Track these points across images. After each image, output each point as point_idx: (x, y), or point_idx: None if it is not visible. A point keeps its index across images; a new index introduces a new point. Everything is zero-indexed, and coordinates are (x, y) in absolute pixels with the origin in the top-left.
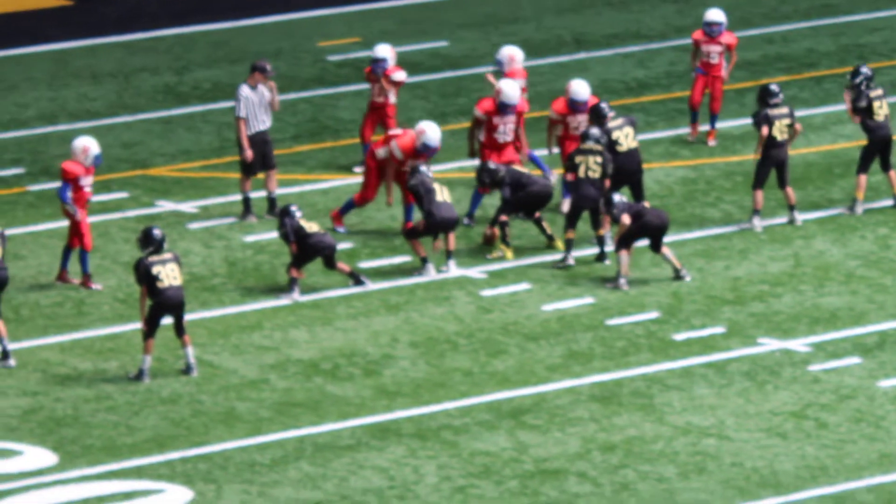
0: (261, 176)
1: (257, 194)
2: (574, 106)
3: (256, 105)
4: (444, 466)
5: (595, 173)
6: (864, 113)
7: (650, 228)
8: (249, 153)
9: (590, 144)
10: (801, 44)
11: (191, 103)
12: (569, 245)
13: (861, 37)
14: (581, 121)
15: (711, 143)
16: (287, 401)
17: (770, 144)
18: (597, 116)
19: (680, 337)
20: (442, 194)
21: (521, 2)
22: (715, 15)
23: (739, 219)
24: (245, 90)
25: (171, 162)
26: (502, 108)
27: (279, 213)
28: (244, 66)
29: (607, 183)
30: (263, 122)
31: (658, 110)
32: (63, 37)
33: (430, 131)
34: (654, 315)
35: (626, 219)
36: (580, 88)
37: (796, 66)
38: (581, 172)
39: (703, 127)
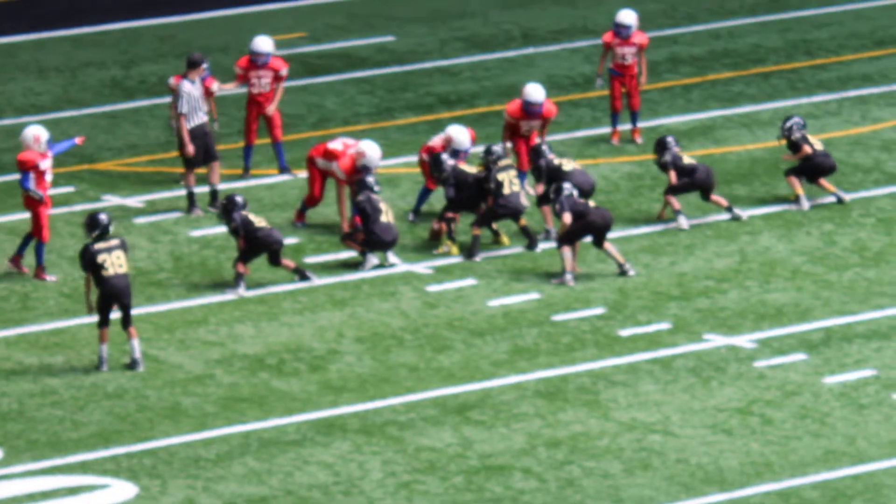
0: (203, 170)
1: (201, 189)
2: (528, 109)
3: (197, 99)
4: (390, 462)
5: (516, 186)
6: (800, 147)
7: (593, 227)
8: (191, 148)
9: (505, 161)
10: (748, 39)
11: (137, 97)
12: (475, 241)
13: (808, 32)
14: (534, 124)
15: (639, 140)
16: (232, 396)
17: (689, 171)
18: (536, 155)
19: (625, 333)
20: (387, 215)
21: None
22: (626, 17)
23: (685, 215)
24: (186, 85)
25: (117, 156)
26: (454, 156)
27: (224, 206)
28: None
29: (539, 188)
30: (202, 116)
31: (604, 106)
32: (9, 30)
33: (370, 152)
34: (599, 311)
35: (567, 217)
36: (535, 92)
37: (743, 62)
38: (506, 188)
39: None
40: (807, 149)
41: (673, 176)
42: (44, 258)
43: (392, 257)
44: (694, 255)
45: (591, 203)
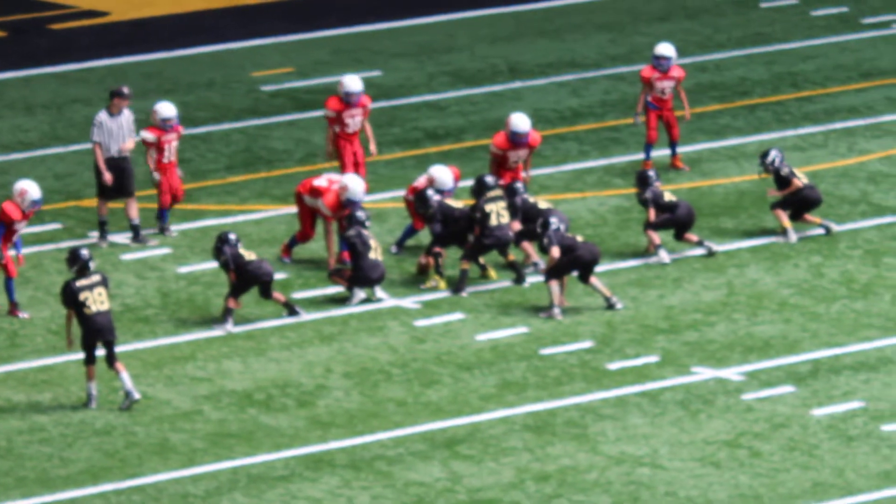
0: (120, 205)
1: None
2: (515, 139)
3: (114, 131)
4: (378, 497)
5: (504, 218)
6: (789, 181)
7: (581, 262)
8: (108, 175)
9: (494, 192)
10: (735, 72)
11: None
12: (463, 276)
13: (794, 65)
14: (521, 154)
15: (686, 167)
16: (221, 432)
17: (670, 208)
18: (511, 193)
19: (614, 366)
20: (376, 252)
21: (455, 31)
22: (665, 49)
23: (672, 248)
24: (101, 116)
25: None
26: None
27: (217, 241)
28: (177, 97)
29: (515, 225)
30: (120, 150)
31: (592, 139)
32: None
33: (353, 185)
34: (587, 344)
35: (555, 251)
36: (520, 121)
37: (729, 95)
38: (493, 220)
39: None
40: (797, 182)
41: (652, 213)
42: (14, 294)
43: (380, 292)
44: (682, 287)
45: (580, 238)
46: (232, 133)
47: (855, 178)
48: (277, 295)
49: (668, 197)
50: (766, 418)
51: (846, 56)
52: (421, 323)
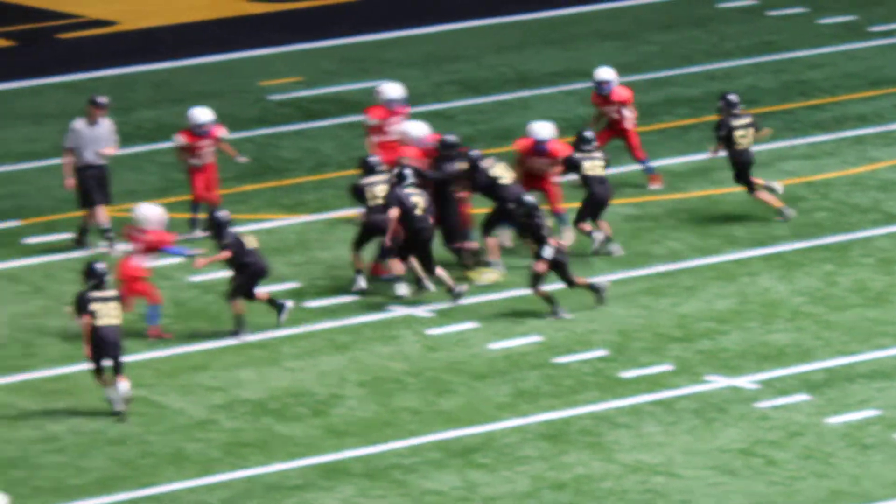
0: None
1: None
2: (535, 146)
3: (89, 140)
4: None
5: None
6: (724, 141)
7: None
8: (70, 181)
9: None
10: (743, 80)
11: (134, 143)
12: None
13: (802, 73)
14: (542, 162)
15: (656, 185)
16: (236, 441)
17: (587, 181)
18: (473, 170)
19: (627, 374)
20: (420, 209)
21: (462, 40)
22: (603, 73)
23: (685, 256)
24: (77, 123)
25: (116, 202)
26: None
27: (216, 223)
28: (186, 106)
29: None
30: (97, 157)
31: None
32: (5, 78)
33: (386, 87)
34: (601, 353)
35: (540, 266)
36: (540, 129)
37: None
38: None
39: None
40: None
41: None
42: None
43: (401, 289)
44: (694, 296)
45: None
46: (241, 142)
47: (866, 186)
48: (260, 294)
49: (592, 171)
50: (781, 426)
51: (854, 64)
52: (433, 332)
